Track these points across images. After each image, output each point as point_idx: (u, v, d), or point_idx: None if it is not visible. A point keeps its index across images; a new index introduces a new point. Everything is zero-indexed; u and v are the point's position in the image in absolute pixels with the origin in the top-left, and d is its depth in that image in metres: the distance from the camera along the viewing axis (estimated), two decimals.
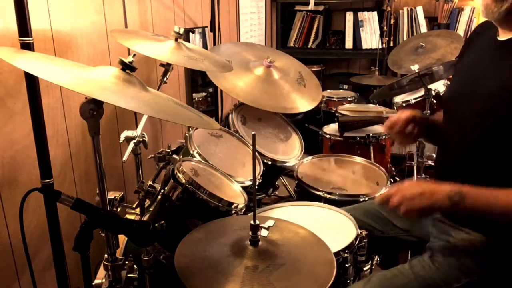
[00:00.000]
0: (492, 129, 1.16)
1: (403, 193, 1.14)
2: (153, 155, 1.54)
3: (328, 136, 2.54)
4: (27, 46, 1.28)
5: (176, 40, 1.61)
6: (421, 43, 2.74)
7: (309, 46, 3.95)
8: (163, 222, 1.20)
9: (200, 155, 1.62)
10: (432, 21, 3.62)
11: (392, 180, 1.93)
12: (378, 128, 2.57)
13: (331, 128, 2.64)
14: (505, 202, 1.08)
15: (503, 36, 1.20)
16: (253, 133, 0.99)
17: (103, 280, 1.15)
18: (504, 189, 1.08)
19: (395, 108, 2.65)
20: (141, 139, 1.52)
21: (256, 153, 1.86)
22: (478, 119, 1.20)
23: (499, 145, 1.16)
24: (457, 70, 1.42)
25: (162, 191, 1.37)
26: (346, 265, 1.32)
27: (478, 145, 1.21)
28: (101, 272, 1.16)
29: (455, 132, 1.31)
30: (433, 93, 2.30)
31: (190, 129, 1.75)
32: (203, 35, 2.67)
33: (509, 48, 1.16)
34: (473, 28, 3.42)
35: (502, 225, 1.16)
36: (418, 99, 2.48)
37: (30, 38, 1.28)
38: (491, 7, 1.12)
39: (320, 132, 2.64)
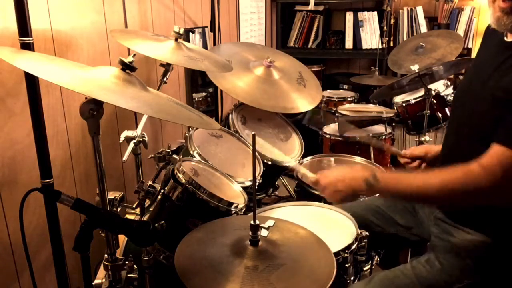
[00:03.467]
0: (491, 129, 1.16)
1: (328, 179, 1.30)
2: (153, 155, 1.54)
3: (328, 136, 2.54)
4: (27, 46, 1.28)
5: (176, 40, 1.61)
6: (421, 43, 2.74)
7: (309, 46, 3.95)
8: (163, 222, 1.20)
9: (200, 155, 1.62)
10: (432, 21, 3.62)
11: None
12: (378, 128, 2.57)
13: (331, 128, 2.64)
14: (419, 182, 1.17)
15: (510, 37, 1.20)
16: (253, 133, 0.99)
17: (103, 280, 1.15)
18: (424, 172, 1.13)
19: (395, 108, 2.65)
20: (141, 139, 1.52)
21: (256, 153, 1.86)
22: (479, 119, 1.20)
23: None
24: (467, 70, 1.43)
25: (162, 191, 1.36)
26: (346, 265, 1.32)
27: (478, 145, 1.20)
28: (101, 272, 1.16)
29: (457, 131, 1.32)
30: (433, 93, 2.30)
31: (190, 129, 1.75)
32: (203, 35, 2.67)
33: None
34: (473, 28, 3.42)
35: (504, 225, 1.16)
36: (418, 99, 2.48)
37: (30, 38, 1.28)
38: (502, 19, 1.14)
39: (320, 132, 2.64)
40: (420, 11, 3.55)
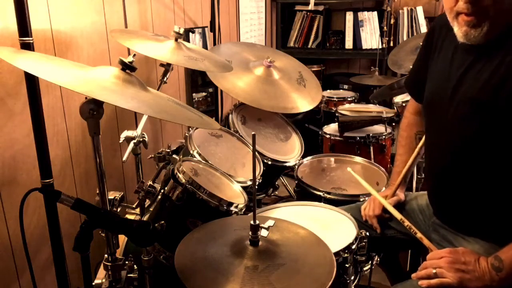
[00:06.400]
0: (475, 133, 1.16)
1: (447, 257, 1.16)
2: (153, 155, 1.54)
3: (328, 136, 2.54)
4: (27, 46, 1.28)
5: (176, 40, 1.61)
6: (421, 43, 2.73)
7: (309, 46, 3.95)
8: (163, 222, 1.20)
9: (200, 155, 1.62)
10: (432, 21, 3.61)
11: None
12: (378, 128, 2.57)
13: (331, 128, 2.64)
14: None
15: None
16: (253, 133, 0.99)
17: (103, 280, 1.15)
18: None
19: (395, 108, 2.65)
20: (141, 139, 1.52)
21: (256, 153, 1.86)
22: (460, 125, 1.20)
23: (484, 148, 1.16)
24: (429, 76, 1.38)
25: (162, 191, 1.37)
26: (346, 265, 1.32)
27: (463, 149, 1.21)
28: (101, 272, 1.16)
29: (437, 138, 1.31)
30: None
31: (190, 129, 1.75)
32: (203, 35, 2.67)
33: (482, 51, 1.16)
34: None
35: (504, 234, 1.16)
36: None
37: (30, 38, 1.28)
38: (471, 33, 1.13)
39: (320, 132, 2.64)
40: (420, 11, 3.55)
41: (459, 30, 1.15)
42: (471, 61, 1.18)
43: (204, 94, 2.73)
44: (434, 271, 1.16)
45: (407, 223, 1.36)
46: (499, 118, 1.10)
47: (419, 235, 1.32)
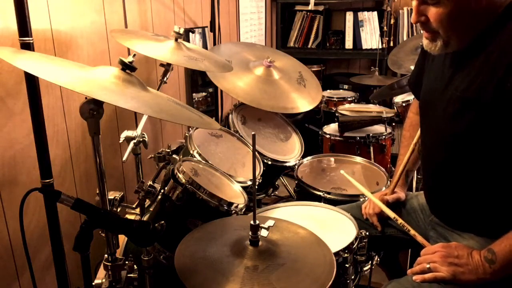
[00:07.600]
0: (465, 130, 1.18)
1: (443, 250, 1.18)
2: (153, 155, 1.54)
3: (328, 136, 2.54)
4: (27, 46, 1.28)
5: (176, 40, 1.61)
6: (421, 43, 2.73)
7: (309, 46, 3.95)
8: (163, 222, 1.20)
9: (200, 155, 1.62)
10: None
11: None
12: (378, 128, 2.57)
13: (331, 128, 2.64)
14: None
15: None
16: (253, 133, 0.99)
17: (103, 280, 1.15)
18: None
19: (395, 108, 2.65)
20: (141, 139, 1.52)
21: (256, 153, 1.86)
22: (451, 123, 1.21)
23: (474, 145, 1.17)
24: (425, 75, 1.42)
25: (162, 191, 1.37)
26: (346, 265, 1.32)
27: (454, 147, 1.22)
28: (101, 272, 1.16)
29: (430, 137, 1.33)
30: None
31: (190, 129, 1.75)
32: (203, 35, 2.67)
33: (465, 55, 1.18)
34: None
35: (498, 230, 1.16)
36: None
37: (30, 38, 1.28)
38: (429, 45, 1.22)
39: (320, 132, 2.64)
40: None
41: (423, 42, 1.24)
42: (460, 62, 1.21)
43: (204, 94, 2.73)
44: (428, 265, 1.18)
45: (400, 220, 1.37)
46: (485, 115, 1.12)
47: (412, 232, 1.34)
